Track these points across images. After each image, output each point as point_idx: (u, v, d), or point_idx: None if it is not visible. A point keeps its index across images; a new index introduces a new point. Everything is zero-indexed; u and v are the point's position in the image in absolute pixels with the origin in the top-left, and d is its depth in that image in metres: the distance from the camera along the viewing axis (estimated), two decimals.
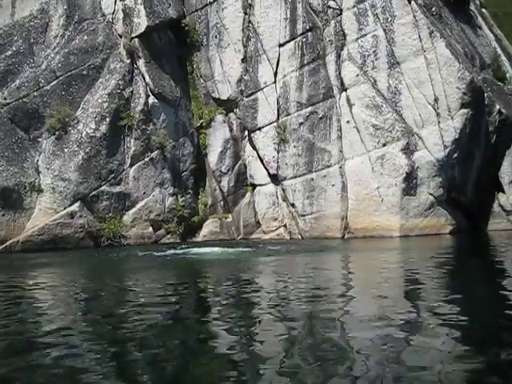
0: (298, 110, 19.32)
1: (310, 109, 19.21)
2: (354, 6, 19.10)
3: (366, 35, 18.88)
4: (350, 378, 4.10)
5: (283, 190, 19.45)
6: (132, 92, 18.63)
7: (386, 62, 18.58)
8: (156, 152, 18.80)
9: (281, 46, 19.71)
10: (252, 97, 19.97)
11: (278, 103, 19.59)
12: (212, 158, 20.13)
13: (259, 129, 19.84)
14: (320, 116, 19.15)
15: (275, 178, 19.63)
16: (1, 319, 6.38)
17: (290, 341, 5.11)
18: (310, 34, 19.49)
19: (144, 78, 18.90)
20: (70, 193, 17.28)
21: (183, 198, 19.17)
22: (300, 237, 19.16)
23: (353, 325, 5.66)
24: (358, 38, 18.97)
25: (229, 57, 20.34)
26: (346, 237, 18.57)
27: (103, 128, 17.96)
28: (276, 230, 19.63)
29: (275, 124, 19.55)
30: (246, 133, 20.23)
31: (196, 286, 9.25)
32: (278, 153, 19.48)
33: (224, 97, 20.42)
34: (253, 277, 9.95)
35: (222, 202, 20.03)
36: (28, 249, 16.23)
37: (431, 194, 18.13)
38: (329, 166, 18.94)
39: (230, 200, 20.01)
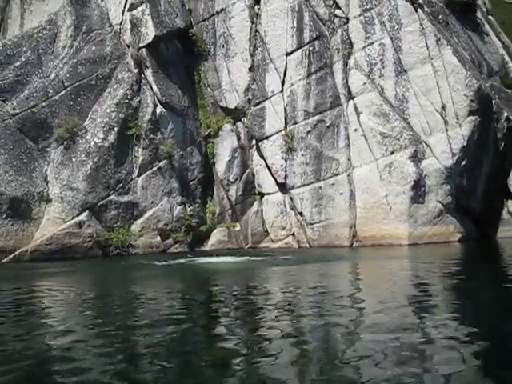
0: (306, 118, 19.31)
1: (317, 117, 19.22)
2: (360, 15, 19.14)
3: (372, 43, 18.90)
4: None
5: (291, 198, 19.43)
6: (140, 102, 18.71)
7: (393, 69, 18.60)
8: (164, 161, 18.84)
9: (288, 54, 19.75)
10: (259, 106, 20.00)
11: (285, 112, 19.60)
12: (220, 167, 20.15)
13: (267, 137, 19.85)
14: (327, 124, 19.15)
15: (283, 187, 19.62)
16: (11, 329, 6.38)
17: (303, 354, 5.08)
18: (316, 42, 19.53)
19: (152, 88, 18.98)
20: (79, 202, 17.33)
21: (191, 207, 19.19)
22: (308, 245, 19.12)
23: (365, 334, 5.63)
24: (364, 47, 19.00)
25: (236, 66, 20.40)
26: (354, 245, 18.53)
27: (111, 138, 18.03)
28: (284, 238, 19.59)
29: (283, 133, 19.56)
30: (254, 142, 20.25)
31: (226, 299, 9.20)
32: (285, 161, 19.47)
33: (231, 106, 20.47)
34: (269, 287, 9.87)
35: (229, 211, 20.03)
36: (36, 258, 16.27)
37: (440, 202, 18.07)
38: (337, 175, 18.92)
39: (237, 209, 20.01)
